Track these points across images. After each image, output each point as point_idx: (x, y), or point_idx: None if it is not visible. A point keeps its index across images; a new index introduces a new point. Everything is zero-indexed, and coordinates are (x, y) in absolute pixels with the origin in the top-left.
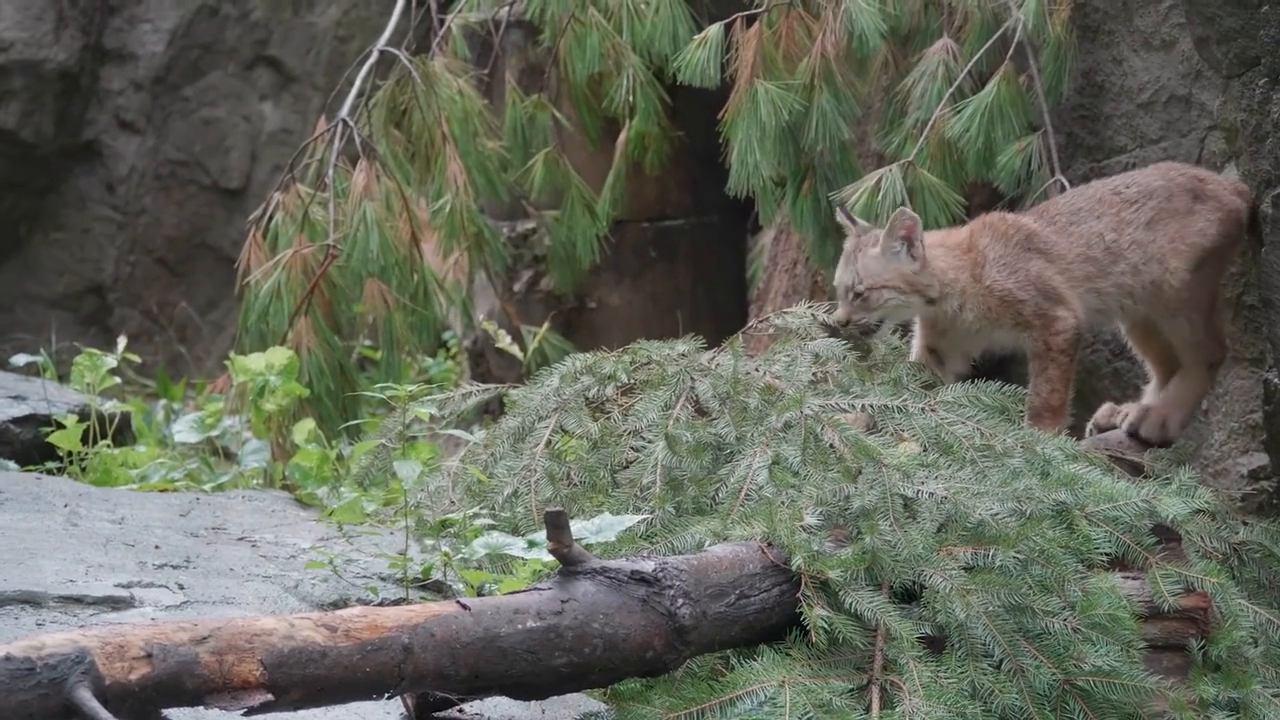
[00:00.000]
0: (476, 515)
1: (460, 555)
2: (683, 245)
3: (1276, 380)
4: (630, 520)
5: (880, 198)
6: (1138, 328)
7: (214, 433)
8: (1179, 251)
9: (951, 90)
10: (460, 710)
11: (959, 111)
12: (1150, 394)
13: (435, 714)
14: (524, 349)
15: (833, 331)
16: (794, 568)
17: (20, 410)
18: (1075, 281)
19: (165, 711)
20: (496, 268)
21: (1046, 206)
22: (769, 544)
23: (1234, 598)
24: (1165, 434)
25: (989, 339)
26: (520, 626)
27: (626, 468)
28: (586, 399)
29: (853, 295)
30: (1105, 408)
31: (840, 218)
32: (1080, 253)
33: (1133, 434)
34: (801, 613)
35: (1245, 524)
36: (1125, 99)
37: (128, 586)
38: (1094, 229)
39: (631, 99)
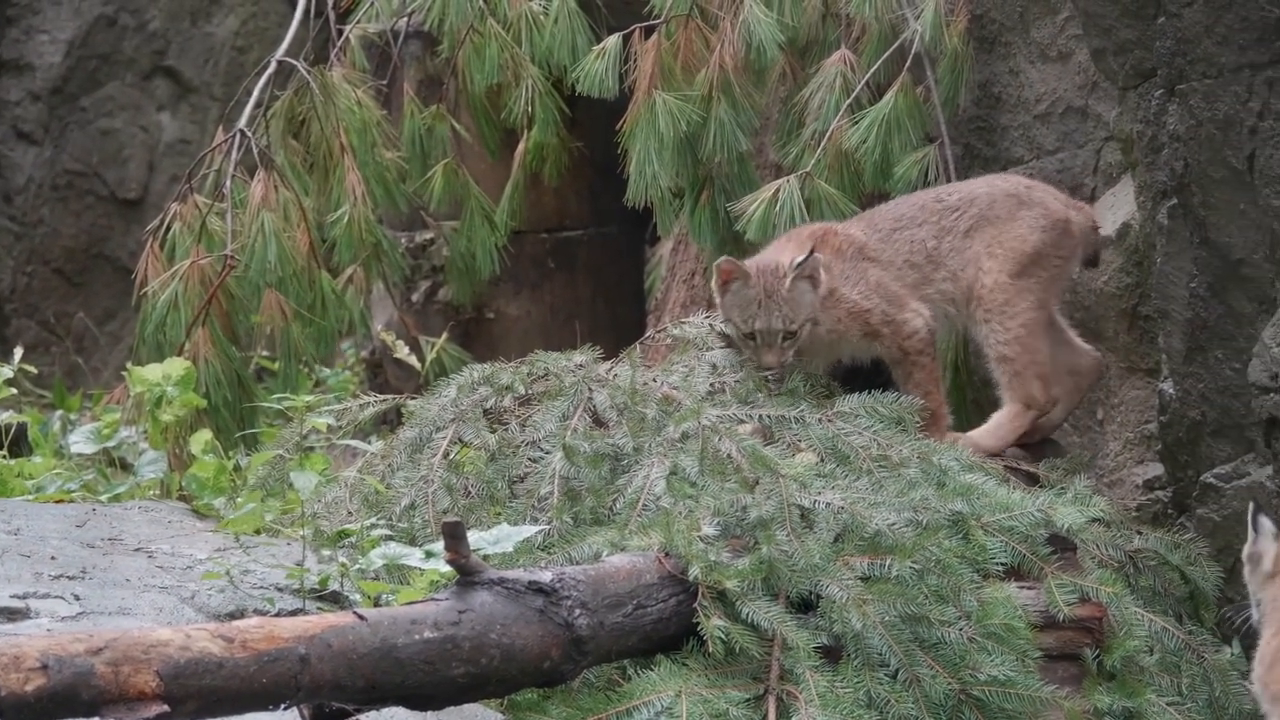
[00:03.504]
0: (374, 526)
1: (357, 566)
2: (581, 256)
3: (1171, 391)
4: (528, 531)
5: (778, 209)
6: None
7: (111, 443)
8: (994, 254)
9: (849, 101)
10: None
11: (856, 122)
12: None
13: None
14: (422, 359)
15: (729, 342)
16: (691, 578)
17: None
18: (907, 288)
19: None
20: (394, 278)
21: (872, 214)
22: (666, 554)
23: (1129, 606)
24: None
25: (838, 350)
26: (417, 637)
27: (524, 479)
28: (484, 410)
29: (783, 337)
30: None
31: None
32: (905, 259)
33: None
34: (699, 623)
35: (1140, 533)
36: (1022, 110)
37: (23, 597)
38: (917, 236)
39: (530, 110)
